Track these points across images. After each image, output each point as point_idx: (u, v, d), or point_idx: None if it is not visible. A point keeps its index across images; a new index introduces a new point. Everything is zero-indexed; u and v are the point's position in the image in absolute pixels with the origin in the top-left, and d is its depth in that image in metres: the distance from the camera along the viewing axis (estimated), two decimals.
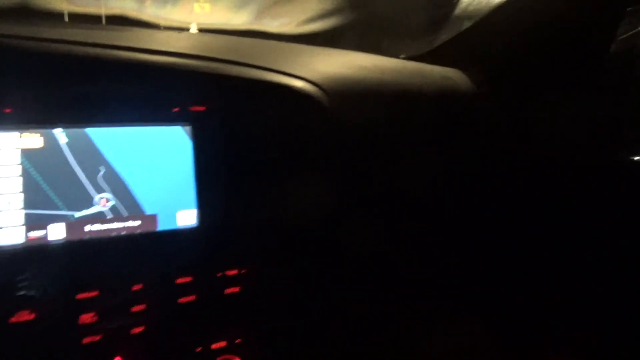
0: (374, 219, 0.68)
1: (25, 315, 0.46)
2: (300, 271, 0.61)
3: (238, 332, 0.57)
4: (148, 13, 0.90)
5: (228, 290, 0.58)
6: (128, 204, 0.55)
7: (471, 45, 0.86)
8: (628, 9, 0.81)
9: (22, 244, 0.50)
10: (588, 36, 0.78)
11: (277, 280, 0.60)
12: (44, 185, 0.51)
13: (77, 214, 0.53)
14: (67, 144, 0.52)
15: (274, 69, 0.63)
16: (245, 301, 0.58)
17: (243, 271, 0.58)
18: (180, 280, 0.55)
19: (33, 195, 0.50)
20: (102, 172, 0.54)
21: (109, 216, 0.54)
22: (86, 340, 0.50)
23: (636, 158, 0.81)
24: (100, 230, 0.54)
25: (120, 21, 0.81)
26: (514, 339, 1.02)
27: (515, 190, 0.86)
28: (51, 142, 0.52)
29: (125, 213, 0.55)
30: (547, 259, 0.94)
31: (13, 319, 0.46)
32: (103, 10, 0.81)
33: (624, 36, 0.84)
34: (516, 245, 0.93)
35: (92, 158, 0.53)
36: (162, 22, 0.91)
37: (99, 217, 0.54)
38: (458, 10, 1.00)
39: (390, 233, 0.73)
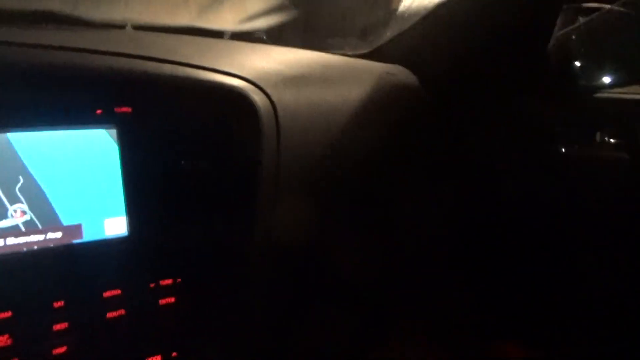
0: (316, 220, 0.66)
1: None
2: (237, 279, 0.58)
3: (174, 345, 0.54)
4: (81, 10, 0.84)
5: (163, 301, 0.54)
6: (48, 214, 0.51)
7: (413, 43, 0.86)
8: (564, 7, 0.83)
9: None
10: (526, 33, 0.79)
11: (214, 290, 0.57)
12: None
13: None
14: None
15: (206, 67, 0.60)
16: (181, 312, 0.55)
17: (178, 280, 0.55)
18: (108, 294, 0.52)
19: None
20: (19, 182, 0.50)
21: (26, 228, 0.50)
22: None
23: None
24: (16, 244, 0.49)
25: (51, 19, 0.75)
26: (465, 332, 1.03)
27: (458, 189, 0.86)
28: None
29: (44, 224, 0.51)
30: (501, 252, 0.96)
31: None
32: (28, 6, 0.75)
33: (560, 33, 0.86)
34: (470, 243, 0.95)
35: (7, 165, 0.49)
36: (97, 20, 0.85)
37: (14, 230, 0.49)
38: (402, 8, 1.00)
39: (328, 231, 0.72)
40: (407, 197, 0.81)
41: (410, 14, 0.91)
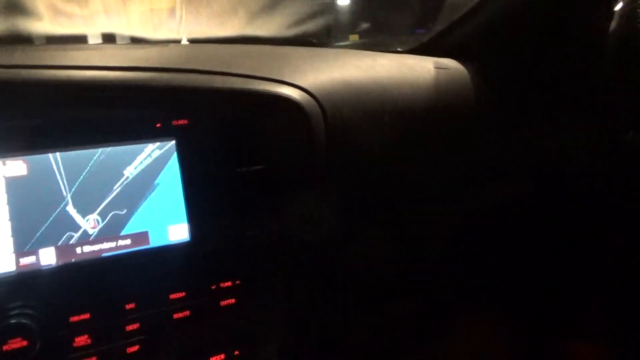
0: (373, 227, 0.67)
1: (18, 343, 0.46)
2: (295, 281, 0.60)
3: (236, 344, 0.57)
4: (138, 30, 0.90)
5: (223, 303, 0.57)
6: (118, 223, 0.55)
7: (464, 34, 0.84)
8: None
9: (14, 271, 0.50)
10: (583, 13, 0.76)
11: (272, 291, 0.59)
12: (32, 211, 0.51)
13: (67, 238, 0.53)
14: (53, 168, 0.53)
15: (256, 76, 0.62)
16: (241, 312, 0.58)
17: (237, 282, 0.58)
18: (174, 296, 0.55)
19: (21, 222, 0.51)
20: (89, 194, 0.54)
21: (99, 237, 0.54)
22: None
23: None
24: (91, 252, 0.54)
25: (109, 39, 0.81)
26: (531, 330, 1.00)
27: (519, 187, 0.84)
28: (36, 168, 0.52)
29: (115, 232, 0.55)
30: (562, 250, 0.92)
31: (6, 347, 0.46)
32: (90, 30, 0.82)
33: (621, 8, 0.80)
34: (528, 239, 0.91)
35: (78, 180, 0.54)
36: (150, 37, 0.90)
37: (89, 239, 0.54)
38: (449, 0, 0.98)
39: (393, 242, 0.72)
40: (463, 191, 0.79)
41: (458, 5, 0.89)
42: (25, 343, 0.47)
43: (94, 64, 0.56)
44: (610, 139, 0.82)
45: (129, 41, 0.83)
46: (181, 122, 0.58)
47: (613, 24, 0.81)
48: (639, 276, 0.83)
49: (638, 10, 0.84)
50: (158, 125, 0.57)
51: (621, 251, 0.85)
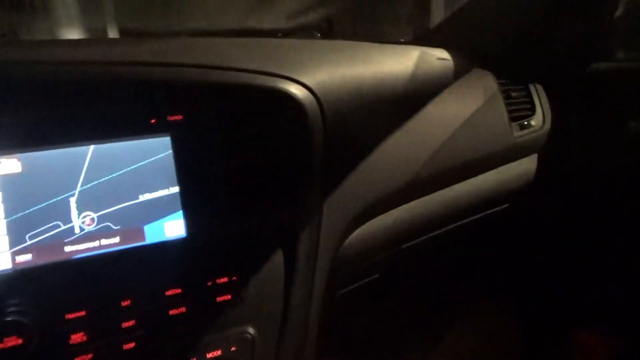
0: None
1: (14, 341, 0.47)
2: (292, 278, 0.60)
3: (233, 340, 0.57)
4: (137, 23, 0.89)
5: (220, 299, 0.57)
6: (113, 220, 0.55)
7: (464, 24, 0.83)
8: None
9: (10, 269, 0.50)
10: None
11: (269, 287, 0.59)
12: (27, 209, 0.51)
13: (63, 235, 0.53)
14: (48, 166, 0.52)
15: (252, 70, 0.61)
16: (237, 308, 0.57)
17: (234, 278, 0.58)
18: (170, 292, 0.55)
19: (16, 220, 0.51)
20: (84, 191, 0.54)
21: (94, 234, 0.54)
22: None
23: None
24: (87, 249, 0.54)
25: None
26: (542, 320, 0.99)
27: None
28: (30, 166, 0.52)
29: (110, 229, 0.55)
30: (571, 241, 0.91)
31: (2, 345, 0.46)
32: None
33: None
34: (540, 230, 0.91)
35: (73, 177, 0.53)
36: (153, 30, 0.90)
37: (85, 236, 0.54)
38: None
39: (392, 238, 0.72)
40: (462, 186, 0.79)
41: None
42: (20, 341, 0.47)
43: (85, 59, 0.56)
44: (613, 129, 0.81)
45: (119, 35, 0.82)
46: (176, 117, 0.57)
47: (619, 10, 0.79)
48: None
49: None
50: (153, 121, 0.57)
51: (623, 246, 0.84)
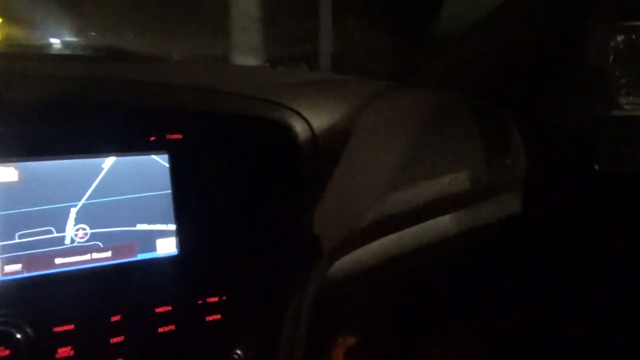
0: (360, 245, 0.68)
1: (1, 351, 0.46)
2: (282, 298, 0.61)
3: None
4: (135, 46, 0.91)
5: (209, 318, 0.57)
6: (106, 234, 0.55)
7: (445, 66, 0.88)
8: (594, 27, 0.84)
9: None
10: (554, 49, 0.80)
11: (260, 308, 0.59)
12: (19, 219, 0.51)
13: (54, 247, 0.52)
14: (44, 176, 0.52)
15: (249, 95, 0.63)
16: (226, 328, 0.58)
17: (224, 298, 0.58)
18: (160, 309, 0.55)
19: (8, 230, 0.50)
20: (79, 204, 0.54)
21: (87, 247, 0.54)
22: None
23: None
24: (78, 262, 0.53)
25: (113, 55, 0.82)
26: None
27: None
28: (27, 175, 0.52)
29: (103, 244, 0.55)
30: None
31: None
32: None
33: (595, 53, 0.86)
34: None
35: (68, 190, 0.53)
36: (150, 54, 0.92)
37: (77, 249, 0.54)
38: (438, 30, 1.02)
39: (382, 260, 0.73)
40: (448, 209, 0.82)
41: (439, 39, 0.94)
42: (7, 352, 0.46)
43: (88, 76, 0.57)
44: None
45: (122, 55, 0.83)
46: (175, 136, 0.58)
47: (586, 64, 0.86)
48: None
49: (610, 56, 0.90)
50: (152, 138, 0.58)
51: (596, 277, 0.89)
